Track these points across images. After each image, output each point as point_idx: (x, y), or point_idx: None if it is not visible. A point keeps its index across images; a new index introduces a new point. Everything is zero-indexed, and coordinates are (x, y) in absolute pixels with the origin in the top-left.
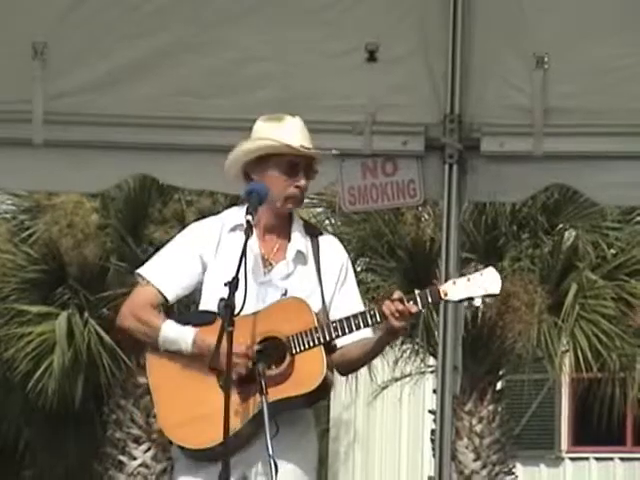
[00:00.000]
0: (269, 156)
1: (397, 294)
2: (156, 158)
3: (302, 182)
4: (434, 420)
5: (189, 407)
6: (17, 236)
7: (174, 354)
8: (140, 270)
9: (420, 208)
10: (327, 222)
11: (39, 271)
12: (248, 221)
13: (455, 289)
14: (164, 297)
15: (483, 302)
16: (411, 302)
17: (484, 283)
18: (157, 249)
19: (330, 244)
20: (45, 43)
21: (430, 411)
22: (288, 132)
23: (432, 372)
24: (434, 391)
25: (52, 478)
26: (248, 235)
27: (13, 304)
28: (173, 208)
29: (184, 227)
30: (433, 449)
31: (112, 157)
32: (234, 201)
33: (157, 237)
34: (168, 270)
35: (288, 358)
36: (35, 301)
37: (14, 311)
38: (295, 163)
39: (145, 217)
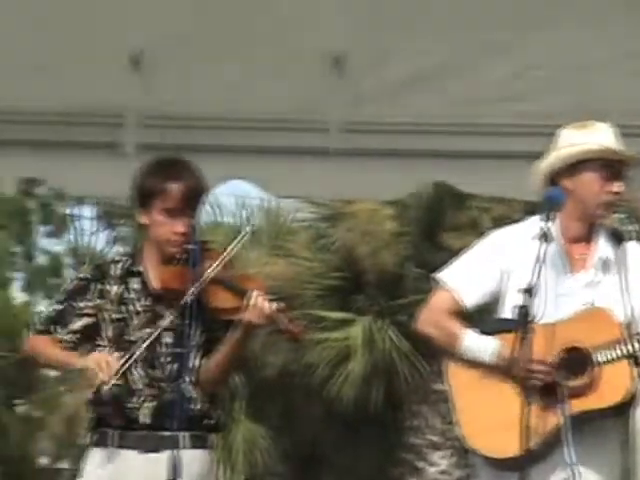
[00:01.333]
0: (584, 162)
1: None
2: (452, 166)
3: (620, 187)
4: None
5: (491, 415)
6: (316, 243)
7: (473, 362)
8: (439, 275)
9: None
10: (626, 229)
11: (337, 278)
12: (545, 228)
13: None
14: (463, 304)
15: None
16: None
17: None
18: (452, 256)
19: (638, 252)
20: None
21: None
22: (603, 137)
23: None
24: None
25: None
26: (545, 242)
27: (312, 310)
28: (468, 215)
29: (479, 234)
30: None
31: (408, 165)
32: (530, 208)
33: (452, 244)
34: (467, 277)
35: (591, 369)
36: (333, 307)
37: (313, 317)
38: (612, 168)
39: (440, 224)
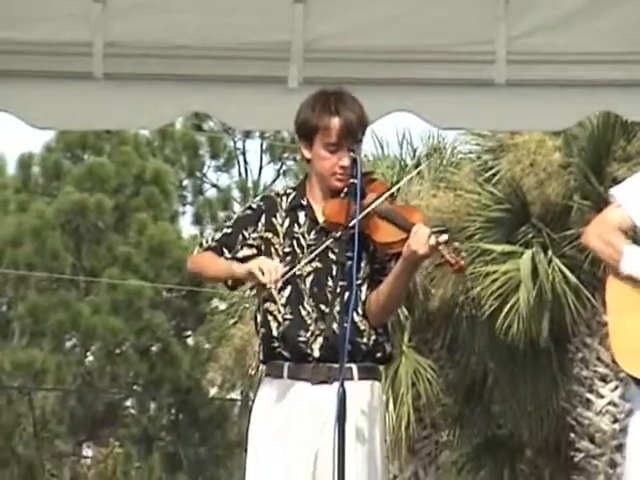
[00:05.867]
0: None
1: None
2: (620, 94)
3: None
4: None
5: None
6: (481, 176)
7: (637, 281)
8: (614, 190)
9: None
10: None
11: (502, 210)
12: None
13: None
14: (632, 221)
15: None
16: None
17: None
18: None
19: None
20: None
21: None
22: None
23: None
24: None
25: (519, 414)
26: None
27: (478, 243)
28: (637, 145)
29: None
30: None
31: (575, 95)
32: None
33: (621, 175)
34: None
35: None
36: (499, 240)
37: (479, 250)
38: None
39: (608, 155)
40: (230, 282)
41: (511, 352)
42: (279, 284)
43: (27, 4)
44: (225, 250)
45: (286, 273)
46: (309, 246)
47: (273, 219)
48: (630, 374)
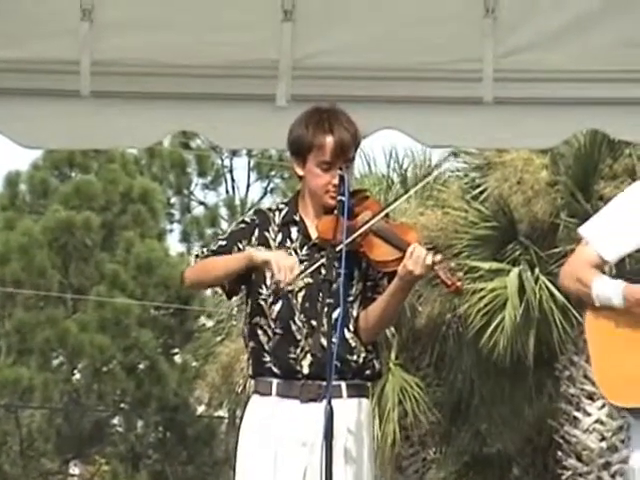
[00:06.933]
0: None
1: None
2: (607, 113)
3: None
4: None
5: (624, 364)
6: (468, 193)
7: (611, 310)
8: (581, 229)
9: None
10: None
11: (490, 228)
12: None
13: None
14: (603, 258)
15: None
16: None
17: None
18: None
19: None
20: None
21: None
22: None
23: None
24: None
25: (506, 432)
26: None
27: (465, 260)
28: (624, 163)
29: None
30: None
31: (562, 113)
32: None
33: (607, 193)
34: (608, 230)
35: None
36: (486, 257)
37: (466, 267)
38: None
39: (595, 173)
40: (228, 286)
41: (498, 370)
42: (293, 286)
43: (14, 22)
44: None
45: (300, 273)
46: (302, 261)
47: (266, 233)
48: (619, 405)
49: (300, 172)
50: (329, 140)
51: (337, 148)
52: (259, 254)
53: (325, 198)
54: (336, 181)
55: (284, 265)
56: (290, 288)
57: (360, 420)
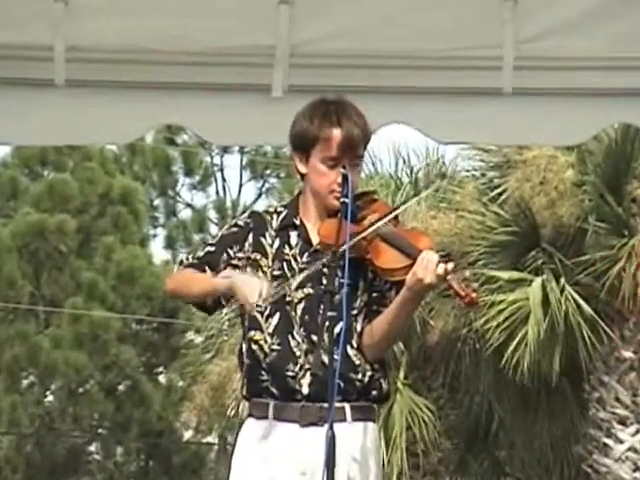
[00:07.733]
0: None
1: None
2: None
3: None
4: None
5: None
6: (485, 195)
7: None
8: None
9: None
10: None
11: (510, 233)
12: None
13: None
14: None
15: None
16: None
17: None
18: None
19: None
20: None
21: None
22: None
23: None
24: None
25: (527, 461)
26: None
27: (482, 269)
28: None
29: None
30: None
31: (590, 105)
32: None
33: None
34: None
35: None
36: (506, 266)
37: (483, 277)
38: None
39: (627, 172)
40: (210, 301)
41: (519, 391)
42: (263, 307)
43: None
44: (208, 269)
45: (274, 295)
46: (301, 270)
47: (262, 238)
48: None
49: (302, 169)
50: (336, 133)
51: (345, 143)
52: (222, 282)
53: (329, 199)
54: (340, 179)
55: (248, 290)
56: (260, 310)
57: (366, 446)
